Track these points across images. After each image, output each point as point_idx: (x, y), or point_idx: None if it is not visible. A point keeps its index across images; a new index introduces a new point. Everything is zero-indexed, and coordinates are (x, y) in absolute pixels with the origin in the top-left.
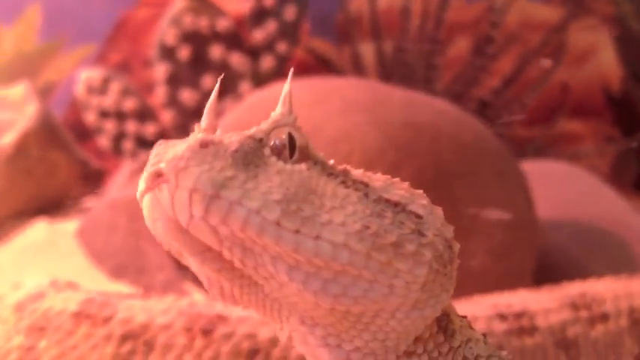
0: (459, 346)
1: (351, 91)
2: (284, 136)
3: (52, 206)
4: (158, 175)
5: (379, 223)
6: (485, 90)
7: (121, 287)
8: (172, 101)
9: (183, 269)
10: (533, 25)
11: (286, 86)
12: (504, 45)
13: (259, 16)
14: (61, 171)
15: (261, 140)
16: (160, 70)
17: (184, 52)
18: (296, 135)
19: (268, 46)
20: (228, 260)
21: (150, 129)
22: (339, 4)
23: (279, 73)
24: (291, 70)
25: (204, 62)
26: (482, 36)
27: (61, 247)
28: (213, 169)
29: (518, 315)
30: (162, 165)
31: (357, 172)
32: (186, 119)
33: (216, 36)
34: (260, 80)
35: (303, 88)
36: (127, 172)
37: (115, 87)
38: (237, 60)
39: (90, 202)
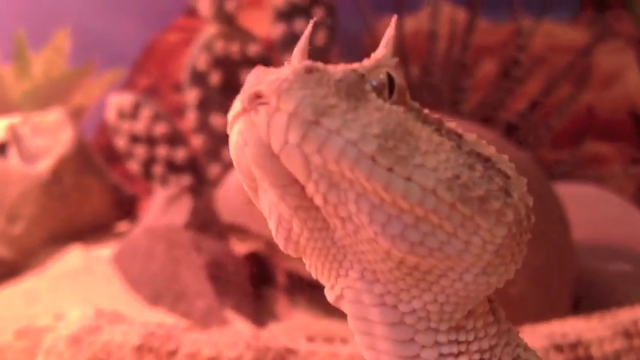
0: (505, 332)
1: None
2: (383, 76)
3: (86, 232)
4: (257, 97)
5: (469, 175)
6: (512, 113)
7: (159, 314)
8: (203, 126)
9: (223, 296)
10: (560, 48)
11: (390, 29)
12: (531, 68)
13: (290, 41)
14: (94, 197)
15: (362, 76)
16: (191, 95)
17: (215, 78)
18: (396, 76)
19: None
20: (308, 198)
21: (180, 154)
22: (365, 27)
23: None
24: (395, 16)
25: (235, 87)
26: (509, 59)
27: (97, 273)
28: (316, 95)
29: (574, 345)
30: (262, 86)
31: (451, 124)
32: (217, 144)
33: (246, 61)
34: None
35: None
36: (161, 199)
37: (145, 112)
38: None
39: (124, 227)
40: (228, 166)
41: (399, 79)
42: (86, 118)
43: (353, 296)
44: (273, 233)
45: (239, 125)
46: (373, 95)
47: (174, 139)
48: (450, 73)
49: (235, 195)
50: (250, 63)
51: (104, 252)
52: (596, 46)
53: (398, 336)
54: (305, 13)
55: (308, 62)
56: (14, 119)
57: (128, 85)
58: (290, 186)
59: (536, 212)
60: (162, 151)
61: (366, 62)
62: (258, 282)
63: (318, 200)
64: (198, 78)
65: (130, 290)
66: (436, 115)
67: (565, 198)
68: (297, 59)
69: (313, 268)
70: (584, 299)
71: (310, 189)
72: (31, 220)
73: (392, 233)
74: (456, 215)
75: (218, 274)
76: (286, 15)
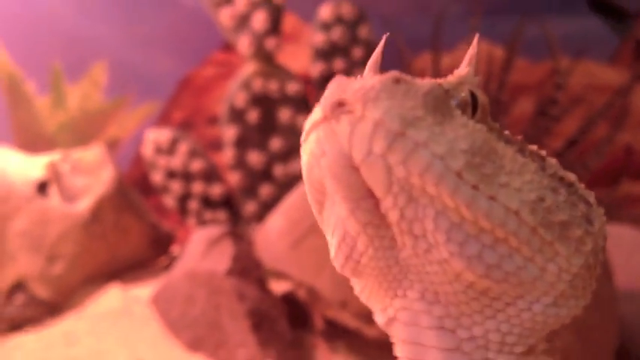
0: None
1: None
2: (466, 94)
3: (124, 271)
4: (340, 105)
5: (553, 199)
6: (549, 151)
7: None
8: (240, 163)
9: (265, 347)
10: (598, 88)
11: (472, 47)
12: (568, 107)
13: (328, 80)
14: (133, 235)
15: (448, 91)
16: (229, 133)
17: (253, 115)
18: (479, 94)
19: None
20: (379, 214)
21: (216, 190)
22: (402, 64)
23: None
24: (477, 35)
25: (273, 125)
26: (547, 97)
27: (136, 314)
28: (403, 106)
29: None
30: (347, 94)
31: (532, 146)
32: (254, 181)
33: (285, 99)
34: None
35: None
36: (202, 241)
37: (182, 148)
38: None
39: (161, 264)
40: (264, 204)
41: (482, 98)
42: (121, 150)
43: (409, 318)
44: (333, 251)
45: (318, 134)
46: (458, 112)
47: (210, 175)
48: None
49: (277, 241)
50: (289, 101)
51: (143, 291)
52: (635, 86)
53: None
54: (344, 52)
55: (395, 73)
56: (54, 156)
57: (163, 118)
58: (363, 200)
59: None
60: (198, 187)
61: (450, 78)
62: (296, 325)
63: (393, 216)
64: (237, 115)
65: (169, 334)
66: (518, 136)
67: None
68: (370, 72)
69: (367, 289)
70: (625, 351)
71: (387, 203)
72: (70, 260)
73: (469, 254)
74: (536, 240)
75: (260, 323)
76: (326, 54)
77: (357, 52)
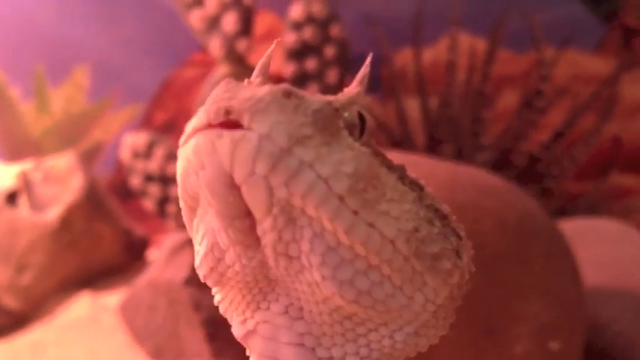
0: None
1: None
2: (355, 115)
3: (96, 278)
4: (226, 113)
5: (428, 230)
6: (534, 144)
7: None
8: None
9: (219, 357)
10: (584, 78)
11: (365, 67)
12: (554, 98)
13: (301, 80)
14: (105, 242)
15: (337, 110)
16: None
17: None
18: (367, 117)
19: None
20: (253, 234)
21: None
22: (382, 59)
23: None
24: (370, 54)
25: None
26: (531, 89)
27: (104, 323)
28: (292, 122)
29: None
30: (235, 102)
31: (412, 174)
32: None
33: None
34: None
35: None
36: (167, 249)
37: (159, 151)
38: None
39: (134, 271)
40: None
41: (370, 120)
42: (105, 154)
43: (268, 332)
44: (198, 260)
45: (197, 141)
46: (345, 132)
47: None
48: (470, 104)
49: None
50: None
51: (112, 299)
52: (622, 75)
53: None
54: (316, 51)
55: (286, 86)
56: (26, 165)
57: (146, 120)
58: (239, 219)
59: (545, 269)
60: (175, 190)
61: (340, 97)
62: None
63: (269, 238)
64: None
65: (134, 343)
66: (399, 164)
67: (586, 234)
68: (257, 77)
69: (228, 300)
70: (599, 352)
71: (266, 225)
72: (40, 269)
73: (341, 278)
74: (408, 269)
75: (216, 333)
76: (297, 54)
77: (329, 51)
